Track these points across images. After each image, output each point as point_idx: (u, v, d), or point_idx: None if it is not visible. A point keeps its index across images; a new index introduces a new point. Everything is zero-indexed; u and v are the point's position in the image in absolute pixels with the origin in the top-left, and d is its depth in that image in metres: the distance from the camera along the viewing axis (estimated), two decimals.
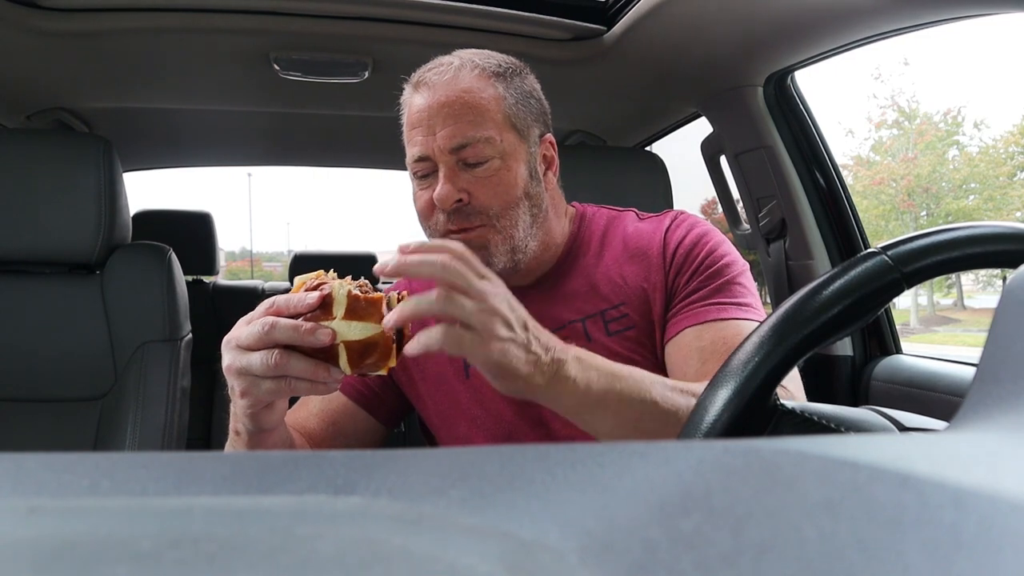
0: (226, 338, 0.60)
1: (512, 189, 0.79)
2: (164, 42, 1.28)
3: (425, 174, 0.79)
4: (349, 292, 0.58)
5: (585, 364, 0.64)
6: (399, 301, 0.59)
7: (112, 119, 1.71)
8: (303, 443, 0.81)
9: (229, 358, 0.59)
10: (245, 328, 0.59)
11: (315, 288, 0.59)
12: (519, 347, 0.59)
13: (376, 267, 0.59)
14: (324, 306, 0.58)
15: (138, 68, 1.39)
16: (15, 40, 1.21)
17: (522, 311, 0.62)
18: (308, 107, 1.67)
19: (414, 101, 0.79)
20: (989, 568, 0.13)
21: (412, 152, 0.79)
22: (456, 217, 0.78)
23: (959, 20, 1.01)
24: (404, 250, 0.58)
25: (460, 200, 0.77)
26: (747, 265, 0.84)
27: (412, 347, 0.57)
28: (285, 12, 1.21)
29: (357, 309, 0.58)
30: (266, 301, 0.60)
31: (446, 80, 0.78)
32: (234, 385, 0.61)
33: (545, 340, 0.62)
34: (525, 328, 0.60)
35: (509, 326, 0.58)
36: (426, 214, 0.81)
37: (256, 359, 0.57)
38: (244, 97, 1.61)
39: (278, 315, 0.58)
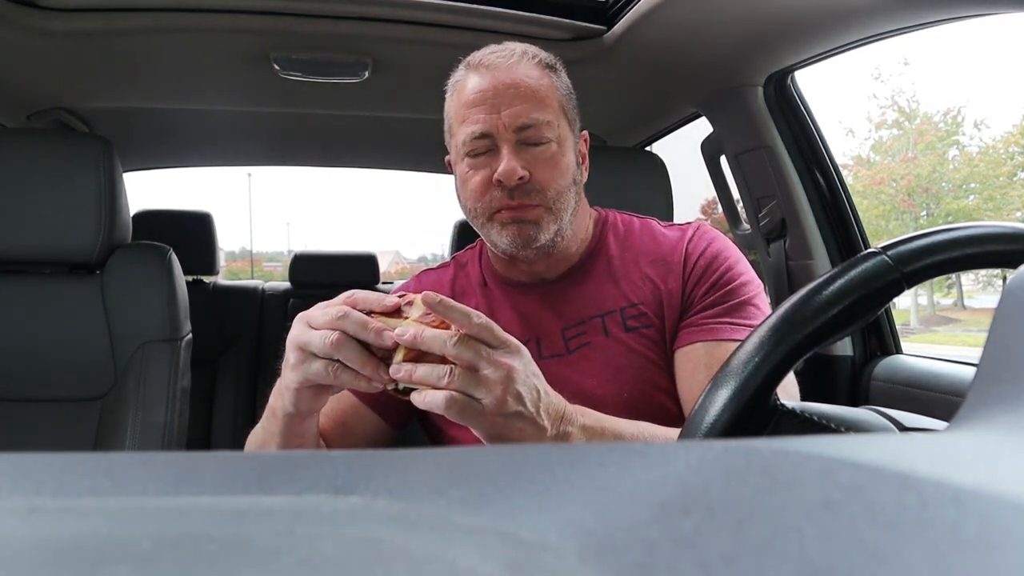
0: (300, 314, 0.63)
1: (566, 173, 0.82)
2: (164, 42, 1.28)
3: (481, 152, 0.81)
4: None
5: (591, 432, 0.65)
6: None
7: (112, 119, 1.71)
8: (322, 442, 0.81)
9: (296, 331, 0.62)
10: (321, 310, 0.61)
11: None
12: (525, 421, 0.60)
13: (396, 332, 0.59)
14: (399, 311, 0.61)
15: (138, 68, 1.39)
16: (15, 40, 1.21)
17: (538, 380, 0.62)
18: (308, 107, 1.67)
19: (470, 82, 0.82)
20: (989, 568, 0.13)
21: (471, 130, 0.80)
22: (517, 193, 0.80)
23: (959, 20, 1.01)
24: (429, 301, 0.59)
25: (522, 177, 0.79)
26: (762, 285, 0.85)
27: (417, 401, 0.59)
28: (285, 12, 1.21)
29: (431, 316, 0.60)
30: (347, 292, 0.63)
31: (509, 64, 0.81)
32: (290, 357, 0.63)
33: (555, 410, 0.63)
34: (537, 400, 0.61)
35: (519, 399, 0.59)
36: (479, 193, 0.82)
37: (316, 336, 0.60)
38: (244, 97, 1.61)
39: (354, 307, 0.60)
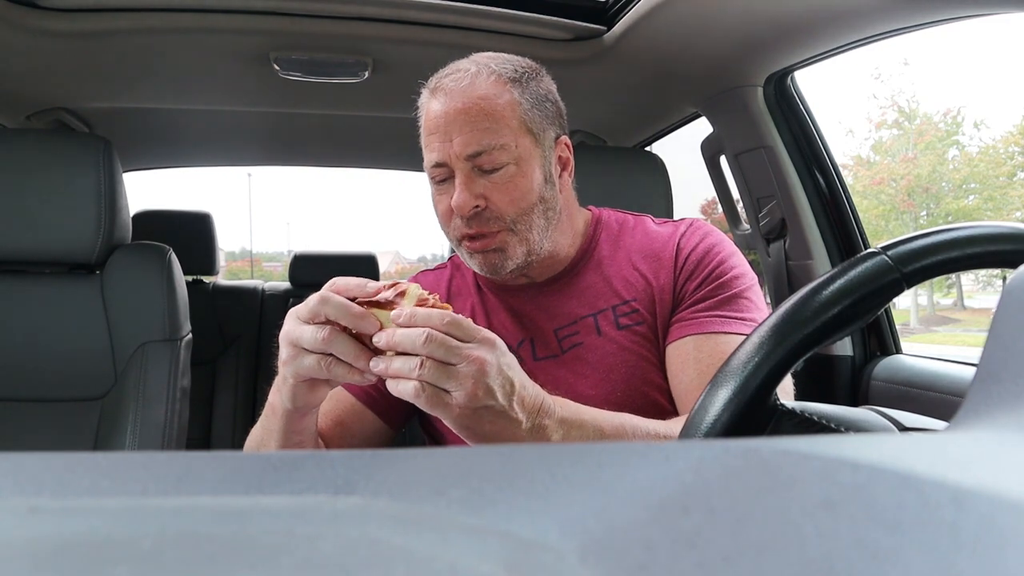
0: (292, 309, 0.63)
1: (528, 194, 0.80)
2: (164, 42, 1.28)
3: (443, 179, 0.81)
4: (420, 293, 0.61)
5: (569, 425, 0.65)
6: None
7: (112, 119, 1.71)
8: (321, 442, 0.82)
9: (288, 326, 0.62)
10: (308, 302, 0.62)
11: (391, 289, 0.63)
12: (496, 414, 0.60)
13: (375, 337, 0.60)
14: (389, 303, 0.61)
15: (138, 68, 1.39)
16: (15, 40, 1.21)
17: (512, 373, 0.62)
18: (308, 107, 1.67)
19: (431, 107, 0.80)
20: (989, 568, 0.13)
21: (429, 158, 0.81)
22: (474, 222, 0.79)
23: (959, 20, 1.01)
24: (396, 320, 0.59)
25: (477, 206, 0.78)
26: (756, 279, 0.84)
27: (392, 389, 0.60)
28: (285, 12, 1.21)
29: (423, 307, 0.60)
30: (331, 280, 0.63)
31: (463, 87, 0.78)
32: (282, 353, 0.63)
33: (531, 402, 0.63)
34: (510, 393, 0.61)
35: (490, 392, 0.59)
36: (446, 218, 0.83)
37: (307, 331, 0.60)
38: (244, 97, 1.61)
39: (337, 293, 0.61)
